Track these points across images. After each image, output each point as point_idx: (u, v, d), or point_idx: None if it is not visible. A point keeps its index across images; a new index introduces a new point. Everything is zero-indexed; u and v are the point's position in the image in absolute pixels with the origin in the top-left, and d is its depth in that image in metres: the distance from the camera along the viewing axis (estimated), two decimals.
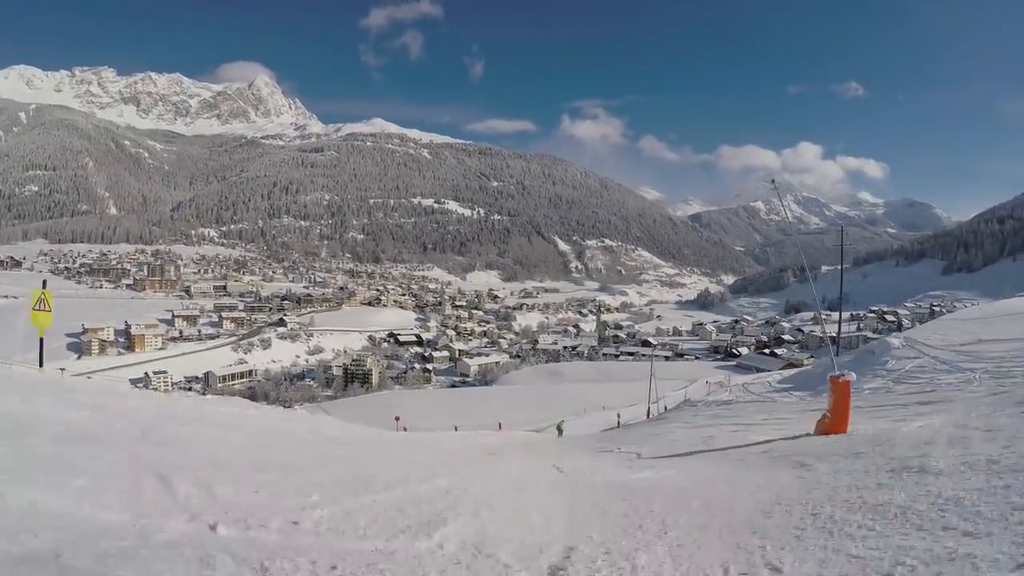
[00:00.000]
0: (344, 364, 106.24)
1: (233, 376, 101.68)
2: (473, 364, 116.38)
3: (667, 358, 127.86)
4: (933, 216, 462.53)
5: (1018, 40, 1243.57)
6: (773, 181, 18.65)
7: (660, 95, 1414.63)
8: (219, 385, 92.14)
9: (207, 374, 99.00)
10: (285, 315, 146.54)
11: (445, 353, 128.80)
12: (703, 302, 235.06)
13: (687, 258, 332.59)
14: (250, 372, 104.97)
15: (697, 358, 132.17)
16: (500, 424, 35.45)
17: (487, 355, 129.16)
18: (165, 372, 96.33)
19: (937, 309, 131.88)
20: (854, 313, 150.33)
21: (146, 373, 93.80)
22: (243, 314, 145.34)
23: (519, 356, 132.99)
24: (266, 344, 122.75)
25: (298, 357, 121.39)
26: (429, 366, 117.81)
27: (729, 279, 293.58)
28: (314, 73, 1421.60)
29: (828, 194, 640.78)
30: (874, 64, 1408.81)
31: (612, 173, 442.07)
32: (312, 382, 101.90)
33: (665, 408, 31.87)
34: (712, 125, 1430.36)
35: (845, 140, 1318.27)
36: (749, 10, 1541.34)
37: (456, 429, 27.35)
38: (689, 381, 68.74)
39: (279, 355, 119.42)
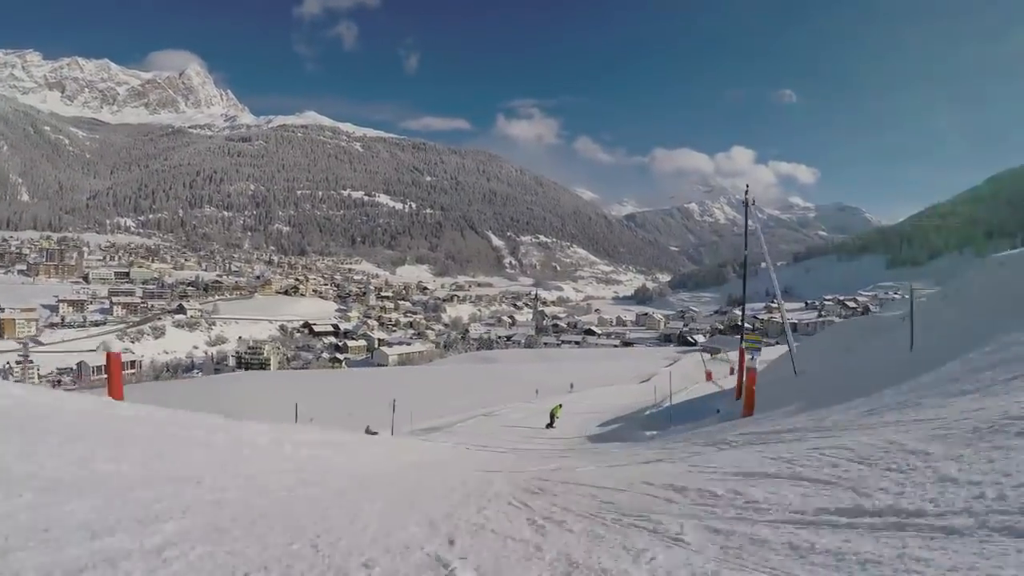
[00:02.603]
0: (238, 352, 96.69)
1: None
2: (392, 353, 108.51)
3: (615, 346, 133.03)
4: (863, 220, 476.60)
5: (944, 55, 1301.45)
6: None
7: (595, 96, 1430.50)
8: (92, 378, 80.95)
9: (80, 364, 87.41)
10: (186, 302, 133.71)
11: (362, 343, 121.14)
12: (641, 298, 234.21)
13: (622, 256, 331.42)
14: (132, 363, 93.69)
15: (648, 346, 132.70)
16: (370, 428, 22.05)
17: (409, 344, 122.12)
18: (31, 361, 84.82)
19: (897, 296, 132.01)
20: (808, 302, 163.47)
21: (8, 363, 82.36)
22: (139, 300, 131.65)
23: (446, 346, 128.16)
24: (159, 332, 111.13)
25: (196, 348, 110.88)
26: (341, 356, 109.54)
27: (664, 277, 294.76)
28: (247, 63, 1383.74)
29: (761, 198, 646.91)
30: (808, 73, 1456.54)
31: (547, 173, 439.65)
32: (199, 373, 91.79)
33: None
34: (646, 128, 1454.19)
35: (778, 146, 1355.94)
36: (686, 15, 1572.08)
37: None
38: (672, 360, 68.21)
39: (174, 345, 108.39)
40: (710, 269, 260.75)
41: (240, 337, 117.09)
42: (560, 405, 28.19)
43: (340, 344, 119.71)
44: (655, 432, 16.63)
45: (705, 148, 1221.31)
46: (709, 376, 42.23)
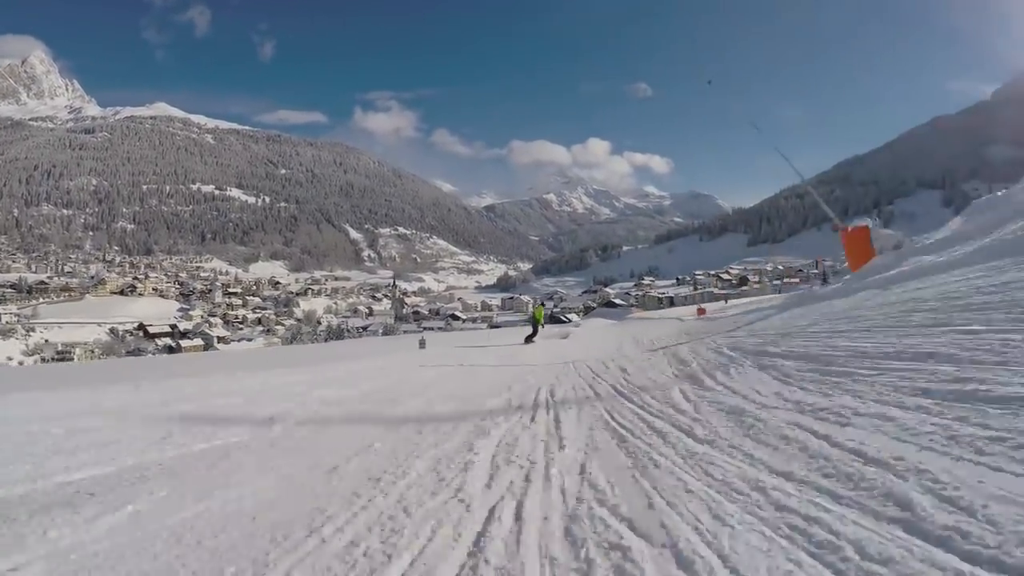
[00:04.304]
0: (44, 359, 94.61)
1: None
2: (229, 350, 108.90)
3: (482, 330, 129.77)
4: (716, 206, 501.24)
5: (788, 55, 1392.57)
6: None
7: (453, 89, 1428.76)
8: None
9: None
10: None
11: (198, 342, 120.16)
12: (505, 285, 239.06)
13: (483, 246, 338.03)
14: None
15: (521, 327, 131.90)
16: None
17: (250, 339, 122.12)
18: None
19: (769, 268, 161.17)
20: (678, 278, 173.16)
21: None
22: None
23: (292, 339, 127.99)
24: None
25: (10, 359, 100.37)
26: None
27: (526, 265, 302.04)
28: (95, 51, 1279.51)
29: (617, 187, 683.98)
30: (663, 68, 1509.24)
31: (406, 165, 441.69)
32: None
33: None
34: (504, 121, 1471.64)
35: (633, 137, 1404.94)
36: (544, 10, 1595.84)
37: None
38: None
39: None
40: (572, 254, 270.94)
41: (64, 344, 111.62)
42: (542, 304, 26.07)
43: (174, 345, 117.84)
44: None
45: (562, 140, 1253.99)
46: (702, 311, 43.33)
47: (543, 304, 26.46)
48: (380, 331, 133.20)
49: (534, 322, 22.21)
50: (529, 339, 20.62)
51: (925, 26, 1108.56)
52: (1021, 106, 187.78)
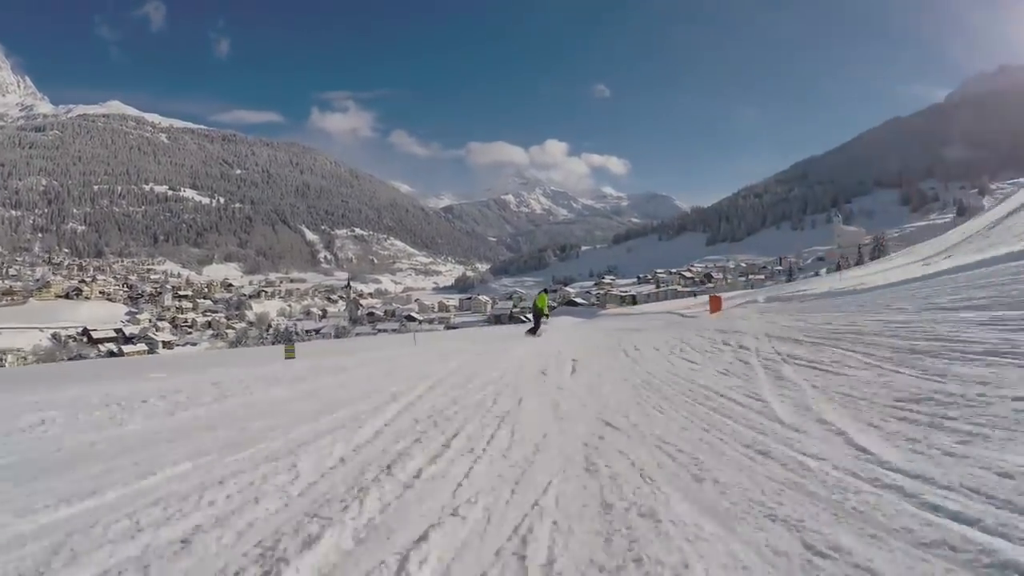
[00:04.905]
0: None
1: None
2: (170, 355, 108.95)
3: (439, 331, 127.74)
4: (673, 206, 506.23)
5: (746, 58, 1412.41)
6: None
7: (411, 90, 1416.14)
8: None
9: None
10: None
11: (142, 347, 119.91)
12: (463, 286, 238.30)
13: (441, 247, 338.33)
14: None
15: (479, 328, 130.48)
16: None
17: (195, 344, 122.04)
18: None
19: (733, 265, 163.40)
20: (639, 276, 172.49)
21: None
22: None
23: (236, 343, 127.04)
24: None
25: None
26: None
27: (484, 266, 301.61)
28: (47, 47, 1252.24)
29: (575, 188, 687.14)
30: (621, 70, 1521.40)
31: (363, 166, 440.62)
32: None
33: None
34: (462, 122, 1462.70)
35: (591, 138, 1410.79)
36: (503, 12, 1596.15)
37: None
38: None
39: None
40: (531, 255, 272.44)
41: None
42: (545, 291, 22.43)
43: (116, 351, 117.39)
44: None
45: (520, 141, 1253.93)
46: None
47: (546, 291, 22.75)
48: (332, 334, 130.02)
49: (536, 312, 20.13)
50: (532, 331, 19.59)
51: (880, 32, 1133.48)
52: (973, 108, 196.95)
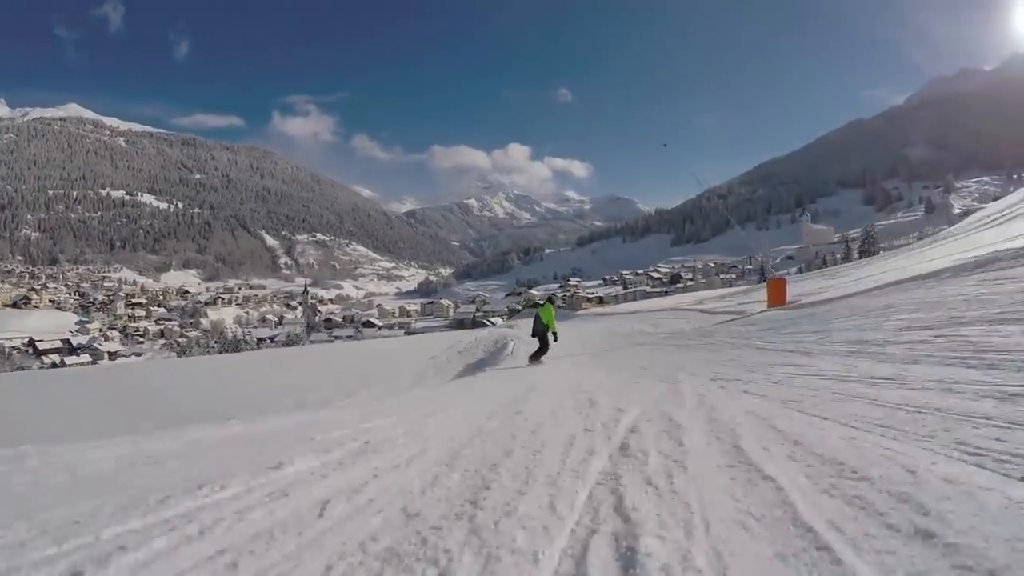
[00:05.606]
0: None
1: None
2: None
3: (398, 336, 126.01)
4: (636, 210, 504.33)
5: (709, 62, 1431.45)
6: None
7: (373, 94, 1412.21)
8: None
9: None
10: None
11: (86, 358, 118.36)
12: (426, 291, 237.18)
13: (403, 252, 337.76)
14: None
15: (442, 332, 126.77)
16: None
17: (140, 355, 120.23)
18: None
19: (701, 266, 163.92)
20: (605, 278, 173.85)
21: None
22: None
23: (181, 352, 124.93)
24: None
25: None
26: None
27: (447, 271, 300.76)
28: (4, 48, 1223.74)
29: (537, 192, 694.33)
30: (583, 74, 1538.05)
31: (325, 170, 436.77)
32: None
33: None
34: (424, 126, 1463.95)
35: (554, 142, 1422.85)
36: (466, 13, 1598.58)
37: None
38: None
39: None
40: (494, 258, 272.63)
41: None
42: (551, 299, 14.71)
43: (58, 362, 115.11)
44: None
45: (483, 145, 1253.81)
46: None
47: (552, 299, 14.83)
48: (282, 342, 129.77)
49: (541, 331, 13.84)
50: (536, 357, 13.68)
51: (842, 36, 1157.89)
52: (935, 110, 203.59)
